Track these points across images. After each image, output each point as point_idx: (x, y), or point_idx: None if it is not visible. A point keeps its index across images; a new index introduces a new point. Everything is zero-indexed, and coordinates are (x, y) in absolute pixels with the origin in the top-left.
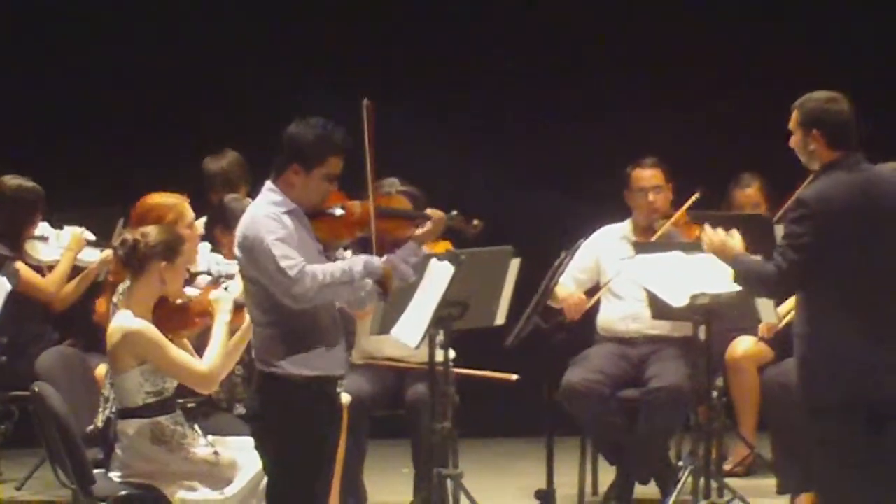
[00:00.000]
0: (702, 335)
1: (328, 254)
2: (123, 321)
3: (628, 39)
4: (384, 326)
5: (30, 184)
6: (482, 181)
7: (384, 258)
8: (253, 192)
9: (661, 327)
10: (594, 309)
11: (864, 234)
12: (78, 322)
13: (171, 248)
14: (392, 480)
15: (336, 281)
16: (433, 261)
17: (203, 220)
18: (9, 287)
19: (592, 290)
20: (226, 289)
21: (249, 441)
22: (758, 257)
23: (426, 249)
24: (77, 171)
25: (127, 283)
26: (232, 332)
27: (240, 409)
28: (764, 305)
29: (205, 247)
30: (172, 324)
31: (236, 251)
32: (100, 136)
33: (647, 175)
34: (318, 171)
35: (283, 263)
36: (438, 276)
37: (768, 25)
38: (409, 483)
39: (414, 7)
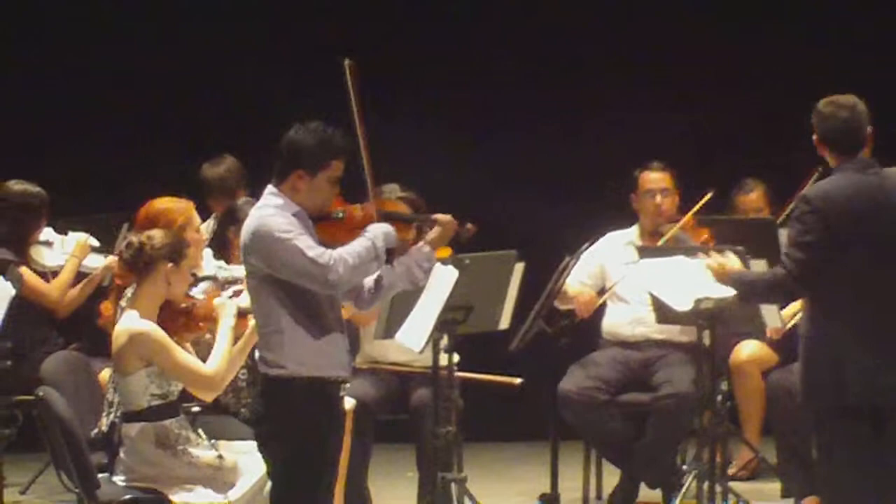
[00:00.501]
0: (706, 339)
1: None
2: (130, 323)
3: (634, 42)
4: (388, 331)
5: (34, 189)
6: (485, 185)
7: (397, 260)
8: (251, 198)
9: (667, 331)
10: (599, 313)
11: (870, 235)
12: (82, 327)
13: (177, 251)
14: (396, 485)
15: (364, 259)
16: (437, 265)
17: (205, 224)
18: (13, 292)
19: (598, 295)
20: (231, 295)
21: (253, 445)
22: (761, 263)
23: None
24: (81, 177)
25: (133, 287)
26: (235, 339)
27: (244, 413)
28: (768, 310)
29: (207, 252)
30: (177, 327)
31: (243, 255)
32: (103, 142)
33: (656, 178)
34: (323, 174)
35: (311, 254)
36: (442, 281)
37: (772, 29)
38: (414, 487)
39: (416, 9)
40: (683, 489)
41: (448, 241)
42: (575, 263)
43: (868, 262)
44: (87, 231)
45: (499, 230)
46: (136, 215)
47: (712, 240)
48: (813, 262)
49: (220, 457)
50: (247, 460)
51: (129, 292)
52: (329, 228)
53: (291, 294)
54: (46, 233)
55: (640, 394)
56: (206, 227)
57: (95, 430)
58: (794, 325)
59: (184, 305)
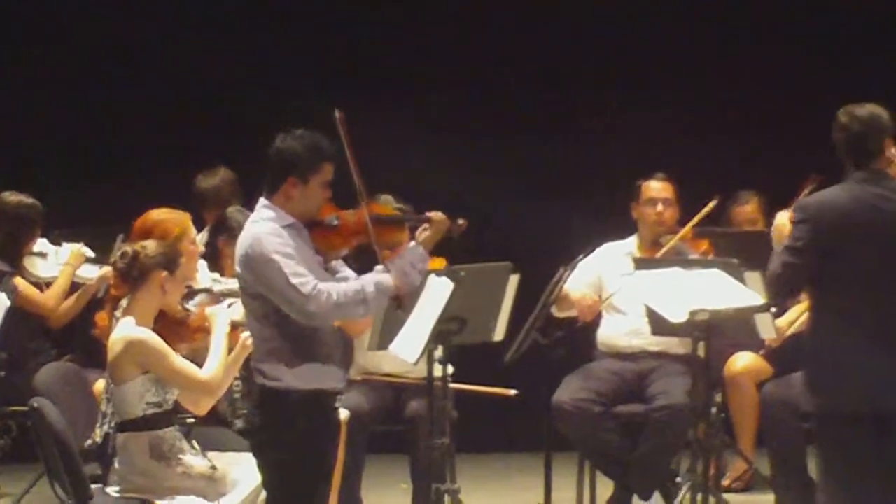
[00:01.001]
0: (700, 351)
1: (325, 265)
2: (126, 330)
3: (635, 52)
4: (383, 342)
5: (29, 200)
6: (481, 196)
7: (389, 261)
8: (242, 207)
9: (664, 343)
10: (594, 324)
11: (868, 244)
12: (76, 338)
13: (171, 259)
14: (390, 496)
15: (350, 301)
16: (432, 276)
17: (199, 236)
18: (7, 303)
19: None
20: (229, 306)
21: (248, 456)
22: (756, 275)
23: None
24: (75, 188)
25: (128, 297)
26: (228, 350)
27: (239, 425)
28: (762, 321)
29: (202, 264)
30: (171, 337)
31: (237, 269)
32: (98, 153)
33: (658, 187)
34: (315, 179)
35: (295, 281)
36: (437, 292)
37: (774, 36)
38: (408, 498)
39: (414, 15)
40: (677, 501)
41: (441, 239)
42: (570, 275)
43: (866, 270)
44: (81, 242)
45: (493, 241)
46: (133, 226)
47: (712, 250)
48: (799, 268)
49: (213, 468)
50: (241, 471)
51: (124, 303)
52: (324, 235)
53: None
54: (41, 244)
55: (635, 405)
56: (200, 239)
57: (89, 441)
58: (792, 335)
59: (178, 315)
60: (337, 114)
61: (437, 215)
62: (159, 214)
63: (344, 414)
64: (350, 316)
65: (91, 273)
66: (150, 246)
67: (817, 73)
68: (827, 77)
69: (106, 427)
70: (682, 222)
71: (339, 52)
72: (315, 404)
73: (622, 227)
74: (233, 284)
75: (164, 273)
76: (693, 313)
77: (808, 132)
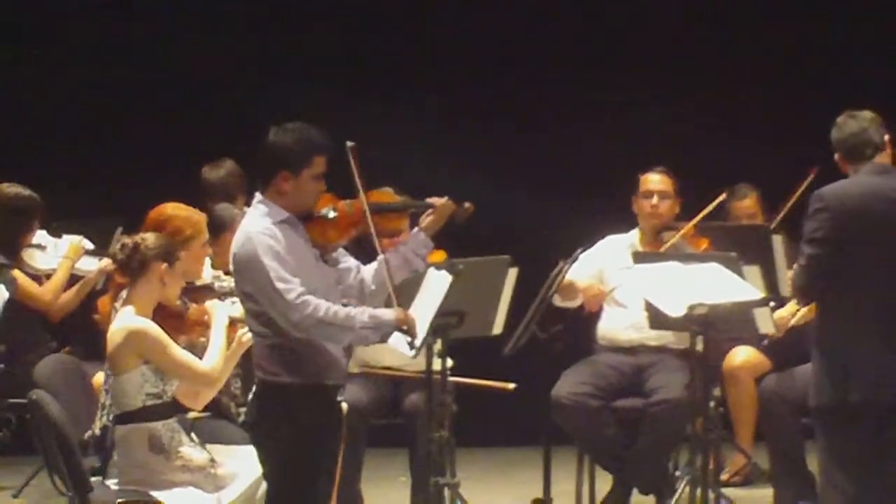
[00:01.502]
0: (699, 345)
1: (325, 257)
2: (126, 320)
3: (639, 46)
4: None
5: (27, 192)
6: (480, 190)
7: (392, 251)
8: (250, 202)
9: (664, 337)
10: (593, 317)
11: (881, 237)
12: (75, 330)
13: (170, 252)
14: (389, 489)
15: (337, 322)
16: (431, 270)
17: None
18: (6, 295)
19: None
20: (232, 304)
21: (248, 449)
22: (754, 269)
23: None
24: (74, 180)
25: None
26: (227, 345)
27: (239, 415)
28: (761, 315)
29: (206, 262)
30: (170, 329)
31: (231, 267)
32: (97, 145)
33: (656, 180)
34: (307, 172)
35: (280, 286)
36: (436, 285)
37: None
38: (407, 492)
39: (413, 10)
40: (676, 495)
41: (445, 223)
42: (569, 268)
43: (879, 262)
44: (81, 234)
45: (492, 235)
46: (145, 217)
47: (712, 249)
48: (823, 257)
49: (213, 460)
50: (240, 463)
51: (123, 293)
52: (320, 228)
53: None
54: (40, 236)
55: (633, 399)
56: None
57: (88, 434)
58: (792, 329)
59: (177, 308)
60: (349, 145)
61: (439, 200)
62: (175, 210)
63: (343, 407)
64: (332, 339)
65: (90, 265)
66: (150, 238)
67: (815, 68)
68: (825, 71)
69: (105, 419)
70: (684, 217)
71: (338, 48)
72: (315, 399)
73: (622, 221)
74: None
75: (164, 265)
76: (691, 307)
77: (805, 126)
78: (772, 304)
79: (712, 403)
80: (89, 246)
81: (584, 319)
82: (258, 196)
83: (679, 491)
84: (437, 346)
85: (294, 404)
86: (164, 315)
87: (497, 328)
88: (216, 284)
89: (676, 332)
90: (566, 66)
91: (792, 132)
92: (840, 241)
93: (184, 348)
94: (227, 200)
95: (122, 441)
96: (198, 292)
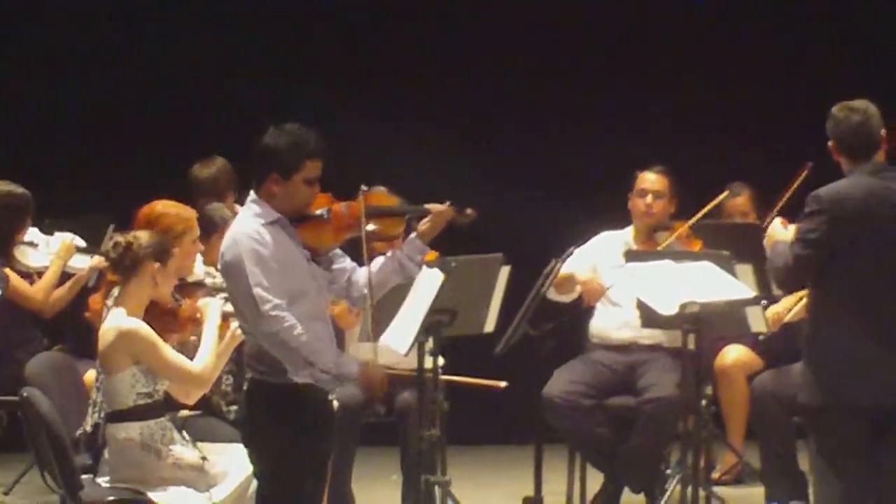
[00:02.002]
0: (691, 344)
1: (318, 259)
2: (117, 321)
3: (632, 45)
4: (374, 333)
5: (19, 190)
6: (472, 188)
7: (388, 256)
8: (240, 200)
9: (657, 336)
10: (586, 315)
11: (878, 238)
12: (67, 327)
13: (163, 251)
14: (380, 487)
15: (300, 348)
16: (423, 268)
17: None
18: None
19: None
20: (225, 301)
21: (239, 447)
22: (747, 268)
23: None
24: (66, 178)
25: (119, 287)
26: (219, 341)
27: (229, 414)
28: (753, 314)
29: (197, 258)
30: (162, 327)
31: (219, 266)
32: (88, 143)
33: (652, 179)
34: (297, 177)
35: (257, 292)
36: (428, 284)
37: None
38: (398, 490)
39: (407, 7)
40: (667, 493)
41: (445, 230)
42: (561, 266)
43: (874, 264)
44: (72, 231)
45: (485, 233)
46: (137, 214)
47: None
48: (813, 260)
49: (204, 458)
50: (231, 461)
51: (115, 291)
52: (313, 229)
53: None
54: (31, 233)
55: (625, 398)
56: None
57: (80, 431)
58: (784, 328)
59: (169, 306)
60: (363, 189)
61: (437, 207)
62: (165, 207)
63: (334, 405)
64: (287, 362)
65: (82, 263)
66: (143, 237)
67: (807, 66)
68: (816, 69)
69: (96, 417)
70: (680, 216)
71: (331, 45)
72: (307, 397)
73: (615, 220)
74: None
75: (157, 264)
76: (683, 306)
77: (798, 124)
78: (764, 302)
79: (704, 402)
80: (81, 244)
81: (576, 317)
82: (251, 195)
83: (670, 489)
84: (429, 344)
85: (285, 403)
86: (157, 313)
87: (489, 326)
88: (208, 280)
89: (668, 330)
90: (561, 64)
91: (785, 129)
92: (834, 246)
93: (175, 346)
94: (216, 198)
95: (113, 439)
96: (189, 288)
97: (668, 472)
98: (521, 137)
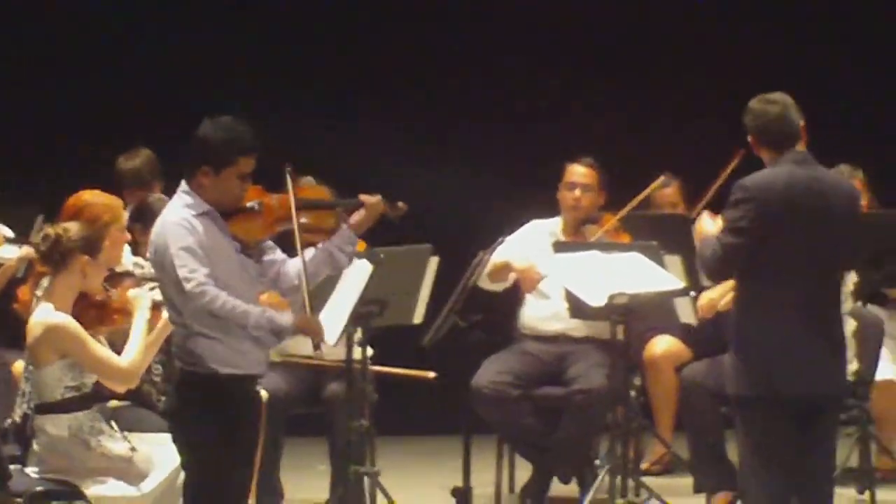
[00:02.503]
0: (620, 335)
1: (249, 252)
2: (45, 315)
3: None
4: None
5: None
6: (401, 179)
7: (319, 248)
8: (166, 191)
9: (586, 327)
10: (515, 306)
11: (803, 227)
12: None
13: (93, 244)
14: (309, 478)
15: (230, 317)
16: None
17: None
18: None
19: (515, 284)
20: (151, 290)
21: (167, 437)
22: (675, 259)
23: None
24: None
25: (49, 278)
26: (149, 331)
27: (161, 405)
28: (682, 305)
29: (125, 248)
30: (92, 319)
31: (148, 254)
32: (16, 133)
33: (580, 172)
34: (229, 171)
35: (182, 273)
36: (357, 274)
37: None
38: (326, 481)
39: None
40: (596, 484)
41: (377, 222)
42: (490, 258)
43: (800, 253)
44: (0, 222)
45: (413, 224)
46: (63, 205)
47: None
48: (741, 248)
49: (133, 449)
50: (160, 452)
51: (44, 282)
52: (244, 222)
53: None
54: None
55: (554, 388)
56: None
57: (8, 422)
58: (710, 319)
59: (99, 298)
60: (287, 169)
61: (370, 199)
62: (92, 197)
63: (263, 396)
64: (226, 331)
65: (11, 253)
66: (73, 229)
67: (737, 56)
68: (745, 60)
69: (25, 407)
70: (610, 208)
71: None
72: (234, 388)
73: (542, 211)
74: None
75: (86, 257)
76: (612, 297)
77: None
78: (692, 293)
79: (633, 392)
80: (9, 234)
81: (505, 309)
82: (183, 185)
83: (599, 479)
84: (358, 334)
85: (213, 393)
86: (86, 305)
87: (418, 317)
88: (137, 271)
89: (597, 321)
90: (496, 56)
91: (713, 118)
92: (762, 234)
93: (107, 336)
94: (141, 189)
95: (41, 430)
96: (118, 278)
97: (597, 462)
98: (452, 126)
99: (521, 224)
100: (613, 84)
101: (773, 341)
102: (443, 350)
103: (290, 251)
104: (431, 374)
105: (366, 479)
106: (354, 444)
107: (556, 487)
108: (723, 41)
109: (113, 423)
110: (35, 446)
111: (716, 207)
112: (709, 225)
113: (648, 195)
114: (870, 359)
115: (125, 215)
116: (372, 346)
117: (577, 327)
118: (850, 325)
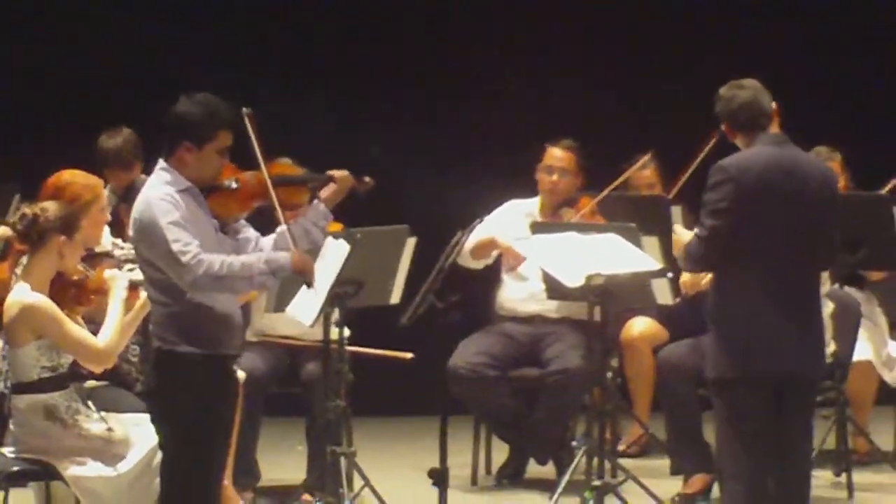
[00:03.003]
0: (597, 316)
1: (226, 229)
2: (21, 295)
3: (537, 14)
4: (279, 304)
5: None
6: (378, 159)
7: (292, 223)
8: (147, 170)
9: (563, 308)
10: (492, 287)
11: (781, 208)
12: None
13: (70, 224)
14: (286, 458)
15: (233, 274)
16: (329, 239)
17: None
18: None
19: (496, 263)
20: (130, 270)
21: (144, 417)
22: (653, 240)
23: None
24: None
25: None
26: (126, 311)
27: (139, 387)
28: (659, 286)
29: (105, 229)
30: (69, 299)
31: (130, 232)
32: None
33: (559, 156)
34: (210, 146)
35: (176, 248)
36: (334, 255)
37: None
38: (303, 461)
39: None
40: (573, 465)
41: (345, 197)
42: (467, 238)
43: (778, 234)
44: None
45: (390, 204)
46: (43, 185)
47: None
48: (724, 230)
49: (109, 429)
50: (137, 432)
51: (24, 260)
52: (222, 199)
53: None
54: None
55: (531, 369)
56: None
57: None
58: (687, 301)
59: (76, 278)
60: (245, 111)
61: (340, 173)
62: (73, 177)
63: (240, 376)
64: (233, 290)
65: None
66: (50, 209)
67: (711, 38)
68: (720, 41)
69: (1, 386)
70: (590, 188)
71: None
72: (212, 367)
73: (520, 192)
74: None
75: (63, 237)
76: (589, 278)
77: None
78: (670, 274)
79: (610, 374)
80: None
81: (483, 289)
82: (161, 163)
83: (576, 461)
84: (335, 315)
85: (191, 373)
86: (63, 285)
87: (395, 298)
88: (116, 251)
89: (574, 302)
90: (471, 35)
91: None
92: (743, 214)
93: (84, 317)
94: (123, 168)
95: (18, 410)
96: (97, 259)
97: (574, 443)
98: (428, 107)
99: (498, 205)
100: (595, 64)
101: (751, 323)
102: (420, 330)
103: (263, 229)
104: (408, 355)
105: (342, 459)
106: (331, 425)
107: (533, 468)
108: (699, 24)
109: (90, 404)
110: (11, 426)
111: (692, 189)
112: (685, 234)
113: (627, 178)
114: (847, 341)
115: (105, 195)
116: (349, 327)
117: (553, 308)
118: (827, 308)
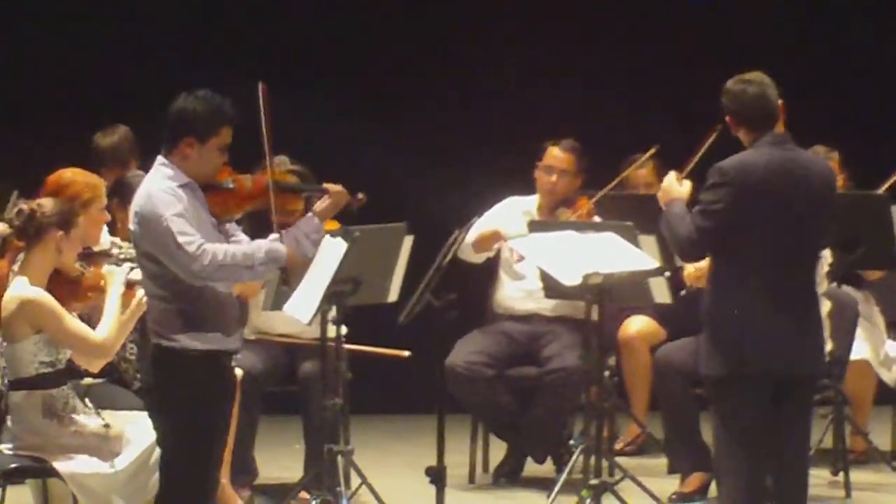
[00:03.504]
0: (594, 314)
1: (219, 229)
2: (20, 289)
3: (537, 14)
4: (277, 302)
5: None
6: (376, 158)
7: (284, 232)
8: (143, 168)
9: (560, 307)
10: (489, 286)
11: (781, 209)
12: None
13: (67, 219)
14: (283, 456)
15: (236, 263)
16: (326, 237)
17: None
18: None
19: (494, 259)
20: (132, 269)
21: (142, 415)
22: (650, 239)
23: None
24: None
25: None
26: (123, 309)
27: (137, 384)
28: (656, 284)
29: (104, 228)
30: (66, 295)
31: (131, 226)
32: None
33: (559, 156)
34: (213, 142)
35: (182, 239)
36: (331, 253)
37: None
38: (300, 459)
39: None
40: (570, 464)
41: (339, 212)
42: (464, 237)
43: (776, 235)
44: None
45: (388, 203)
46: (45, 182)
47: None
48: (715, 232)
49: (106, 426)
50: (134, 429)
51: (22, 257)
52: (219, 199)
53: None
54: None
55: (528, 368)
56: None
57: None
58: (684, 298)
59: (73, 274)
60: (260, 86)
61: (334, 188)
62: (74, 175)
63: (237, 374)
64: (235, 279)
65: None
66: (47, 205)
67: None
68: (722, 39)
69: None
70: (590, 187)
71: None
72: (210, 364)
73: (518, 191)
74: (132, 249)
75: (60, 233)
76: (587, 276)
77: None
78: (667, 273)
79: (607, 373)
80: None
81: (480, 288)
82: (161, 158)
83: (573, 459)
84: (332, 313)
85: (188, 370)
86: (60, 281)
87: (392, 296)
88: (114, 251)
89: (572, 301)
90: (471, 35)
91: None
92: (737, 219)
93: (81, 313)
94: (119, 167)
95: (15, 406)
96: (95, 257)
97: (572, 442)
98: (428, 105)
99: (496, 202)
100: (595, 63)
101: (747, 321)
102: (417, 329)
103: (254, 234)
104: (406, 353)
105: (340, 457)
106: (328, 423)
107: (530, 467)
108: (699, 23)
109: (87, 400)
110: (9, 423)
111: (692, 185)
112: (675, 187)
113: (625, 176)
114: (844, 340)
115: (105, 195)
116: (346, 325)
117: (550, 306)
118: (825, 306)
